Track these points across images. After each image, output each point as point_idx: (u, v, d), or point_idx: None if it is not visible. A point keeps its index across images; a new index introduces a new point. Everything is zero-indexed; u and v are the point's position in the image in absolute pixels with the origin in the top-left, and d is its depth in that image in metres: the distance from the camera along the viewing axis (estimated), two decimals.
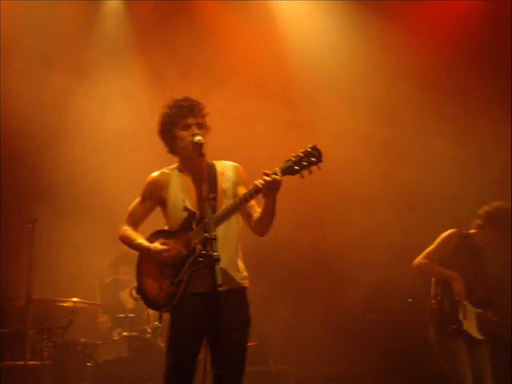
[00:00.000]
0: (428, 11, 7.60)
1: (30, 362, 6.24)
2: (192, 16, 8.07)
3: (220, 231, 3.89)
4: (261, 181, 3.81)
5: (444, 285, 5.56)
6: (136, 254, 4.28)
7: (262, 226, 4.07)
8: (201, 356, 4.02)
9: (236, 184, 4.19)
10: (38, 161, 7.78)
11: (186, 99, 4.20)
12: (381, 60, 7.63)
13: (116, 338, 6.71)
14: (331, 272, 7.81)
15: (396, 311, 7.29)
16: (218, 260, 3.63)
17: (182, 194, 4.16)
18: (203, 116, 4.18)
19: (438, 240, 5.69)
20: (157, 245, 4.09)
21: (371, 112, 7.61)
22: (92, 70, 7.89)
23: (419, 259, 5.67)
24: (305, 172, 3.75)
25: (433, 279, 5.68)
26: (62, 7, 7.79)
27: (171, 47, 7.91)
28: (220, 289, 3.63)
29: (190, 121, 4.12)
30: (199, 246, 3.95)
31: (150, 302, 4.21)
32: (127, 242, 4.27)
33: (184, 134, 4.12)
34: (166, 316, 4.13)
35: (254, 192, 3.86)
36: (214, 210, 3.92)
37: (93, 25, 8.15)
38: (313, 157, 3.74)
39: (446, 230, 5.72)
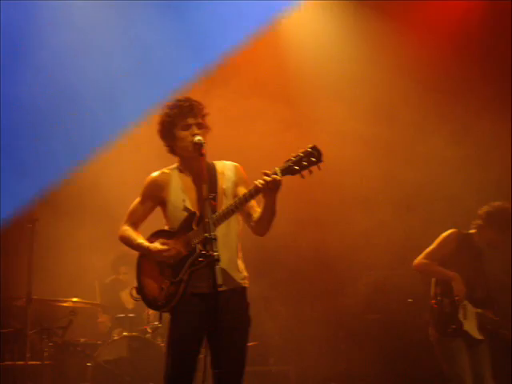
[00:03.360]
0: (428, 11, 7.59)
1: (29, 362, 6.23)
2: None
3: (220, 231, 3.89)
4: (261, 181, 3.81)
5: (444, 285, 5.56)
6: (136, 254, 4.28)
7: (262, 226, 4.07)
8: (201, 356, 4.02)
9: (236, 184, 4.18)
10: None
11: (186, 99, 4.19)
12: (381, 60, 7.61)
13: (116, 338, 6.71)
14: (331, 272, 7.81)
15: (396, 311, 7.29)
16: (217, 260, 3.63)
17: (182, 194, 4.15)
18: (203, 116, 4.18)
19: (438, 240, 5.69)
20: (157, 245, 4.09)
21: (371, 112, 7.60)
22: None
23: (419, 259, 5.67)
24: (305, 172, 3.75)
25: (433, 279, 5.68)
26: None
27: None
28: (220, 289, 3.63)
29: (190, 121, 4.12)
30: (199, 246, 3.94)
31: (150, 302, 4.20)
32: (127, 242, 4.26)
33: (184, 134, 4.12)
34: (166, 316, 4.13)
35: (254, 192, 3.87)
36: (214, 210, 3.92)
37: None
38: (313, 157, 3.74)
39: (446, 230, 5.72)
